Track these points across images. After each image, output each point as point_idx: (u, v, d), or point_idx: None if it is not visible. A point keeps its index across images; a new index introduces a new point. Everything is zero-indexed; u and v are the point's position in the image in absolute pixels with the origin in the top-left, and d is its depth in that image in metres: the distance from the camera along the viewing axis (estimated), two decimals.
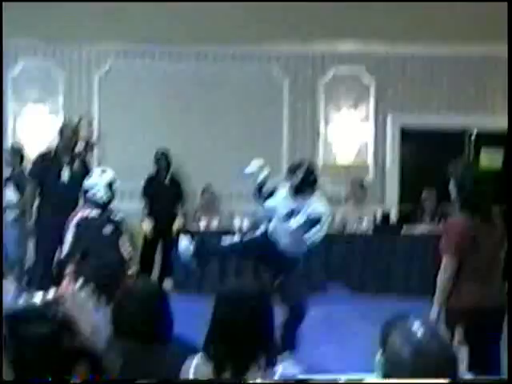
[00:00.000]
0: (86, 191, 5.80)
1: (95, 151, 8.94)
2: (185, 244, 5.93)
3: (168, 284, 8.75)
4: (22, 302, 2.04)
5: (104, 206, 5.77)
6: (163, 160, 9.16)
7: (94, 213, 5.68)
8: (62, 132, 7.62)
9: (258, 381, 2.67)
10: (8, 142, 9.11)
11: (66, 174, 7.23)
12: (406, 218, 9.05)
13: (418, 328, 2.02)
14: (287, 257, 5.73)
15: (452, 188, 4.15)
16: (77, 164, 7.40)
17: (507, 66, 8.39)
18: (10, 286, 7.86)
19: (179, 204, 9.18)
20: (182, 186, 9.30)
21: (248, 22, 9.34)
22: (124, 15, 9.29)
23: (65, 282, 5.17)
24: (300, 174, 5.60)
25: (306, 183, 5.61)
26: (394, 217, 9.12)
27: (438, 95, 9.57)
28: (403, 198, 9.63)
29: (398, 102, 9.59)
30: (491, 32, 9.12)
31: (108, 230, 5.72)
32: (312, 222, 5.50)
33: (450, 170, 4.20)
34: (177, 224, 8.99)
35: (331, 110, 9.62)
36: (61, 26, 9.30)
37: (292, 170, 5.68)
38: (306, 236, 5.53)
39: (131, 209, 9.00)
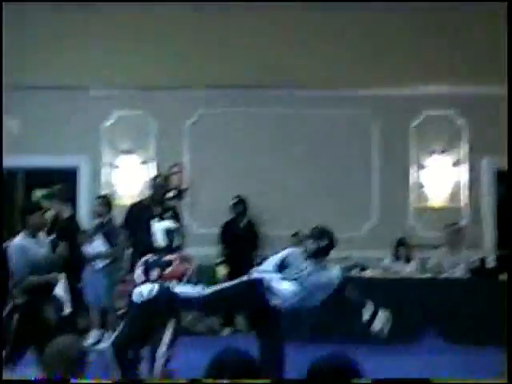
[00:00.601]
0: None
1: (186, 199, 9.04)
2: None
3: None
4: None
5: (165, 251, 5.79)
6: (240, 206, 9.19)
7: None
8: (154, 182, 7.73)
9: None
10: (100, 192, 9.27)
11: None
12: (503, 263, 8.69)
13: None
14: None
15: None
16: (168, 215, 7.49)
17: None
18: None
19: (256, 250, 9.14)
20: (258, 232, 9.24)
21: (338, 65, 9.34)
22: (213, 63, 9.44)
23: None
24: (322, 243, 5.60)
25: (322, 251, 5.63)
26: (490, 262, 8.76)
27: None
28: (500, 242, 9.27)
29: (493, 144, 9.27)
30: None
31: None
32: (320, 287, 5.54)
33: None
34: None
35: (423, 152, 9.41)
36: (152, 76, 9.53)
37: (315, 237, 5.64)
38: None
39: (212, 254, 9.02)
